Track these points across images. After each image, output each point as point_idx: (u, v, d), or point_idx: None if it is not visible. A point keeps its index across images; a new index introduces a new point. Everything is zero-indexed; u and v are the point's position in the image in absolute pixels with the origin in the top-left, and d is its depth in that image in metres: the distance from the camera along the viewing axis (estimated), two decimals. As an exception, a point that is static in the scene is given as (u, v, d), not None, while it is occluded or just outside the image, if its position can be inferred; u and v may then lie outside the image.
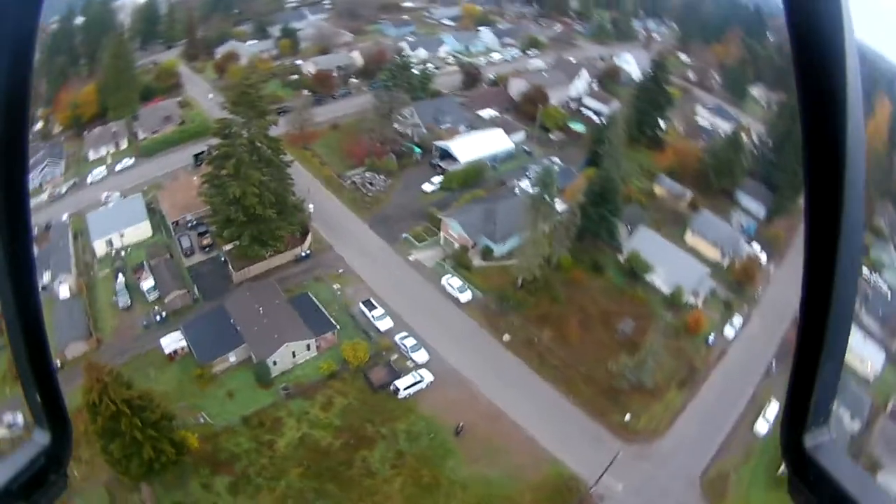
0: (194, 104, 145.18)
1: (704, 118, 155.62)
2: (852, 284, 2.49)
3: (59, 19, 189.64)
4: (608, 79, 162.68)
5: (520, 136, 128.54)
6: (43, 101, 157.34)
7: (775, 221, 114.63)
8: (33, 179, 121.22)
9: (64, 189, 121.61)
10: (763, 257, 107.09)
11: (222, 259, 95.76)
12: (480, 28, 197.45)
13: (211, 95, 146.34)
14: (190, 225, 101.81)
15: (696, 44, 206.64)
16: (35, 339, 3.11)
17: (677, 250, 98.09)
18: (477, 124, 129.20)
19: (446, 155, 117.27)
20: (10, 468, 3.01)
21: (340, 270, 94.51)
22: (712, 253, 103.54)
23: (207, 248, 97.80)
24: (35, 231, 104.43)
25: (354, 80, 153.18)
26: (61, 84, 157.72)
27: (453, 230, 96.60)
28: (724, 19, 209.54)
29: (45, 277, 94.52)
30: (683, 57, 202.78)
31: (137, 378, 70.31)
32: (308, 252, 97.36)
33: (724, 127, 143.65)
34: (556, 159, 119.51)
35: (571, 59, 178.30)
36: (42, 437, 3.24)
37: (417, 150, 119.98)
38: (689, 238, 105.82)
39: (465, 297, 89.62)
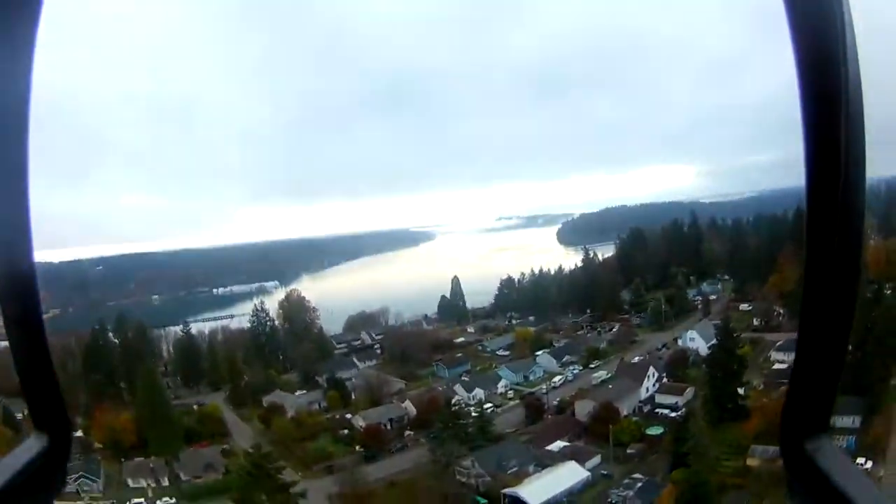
0: (240, 455, 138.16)
1: (780, 361, 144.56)
2: (852, 285, 2.47)
3: (93, 331, 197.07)
4: (676, 366, 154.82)
5: (596, 460, 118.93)
6: (82, 412, 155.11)
7: (873, 423, 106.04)
8: (70, 484, 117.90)
9: None
10: (868, 465, 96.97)
11: None
12: (538, 353, 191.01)
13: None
14: None
15: (752, 286, 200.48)
16: (35, 340, 3.09)
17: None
18: (546, 461, 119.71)
19: (516, 502, 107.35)
20: (8, 469, 2.98)
21: None
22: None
23: None
24: None
25: (409, 433, 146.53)
26: (99, 401, 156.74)
27: None
28: (770, 245, 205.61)
29: None
30: (744, 306, 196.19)
31: None
32: None
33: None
34: (638, 475, 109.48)
35: (636, 357, 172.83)
36: (41, 439, 3.19)
37: (483, 501, 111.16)
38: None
39: None
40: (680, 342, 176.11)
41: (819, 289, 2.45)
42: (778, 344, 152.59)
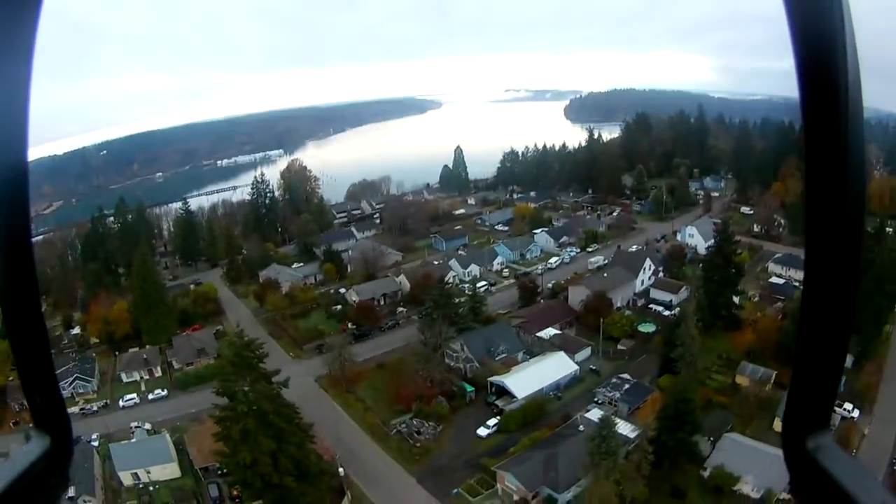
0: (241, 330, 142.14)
1: (777, 274, 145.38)
2: (853, 284, 2.47)
3: (92, 219, 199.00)
4: (673, 261, 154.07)
5: (585, 353, 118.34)
6: (79, 306, 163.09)
7: (864, 367, 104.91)
8: (65, 388, 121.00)
9: (95, 407, 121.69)
10: (855, 414, 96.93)
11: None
12: (536, 231, 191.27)
13: (253, 326, 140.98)
14: (220, 472, 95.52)
15: (755, 190, 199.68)
16: (36, 340, 3.07)
17: (766, 449, 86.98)
18: (536, 349, 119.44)
19: (503, 391, 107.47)
20: (10, 470, 2.97)
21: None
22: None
23: (238, 500, 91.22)
24: None
25: (402, 309, 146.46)
26: (96, 291, 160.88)
27: (510, 482, 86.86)
28: (776, 153, 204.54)
29: (71, 491, 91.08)
30: (745, 209, 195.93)
31: None
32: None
33: (799, 277, 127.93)
34: (626, 375, 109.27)
35: (634, 246, 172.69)
36: (43, 440, 3.18)
37: (470, 388, 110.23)
38: (779, 425, 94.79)
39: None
40: (679, 237, 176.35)
41: (819, 285, 2.46)
42: (776, 256, 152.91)
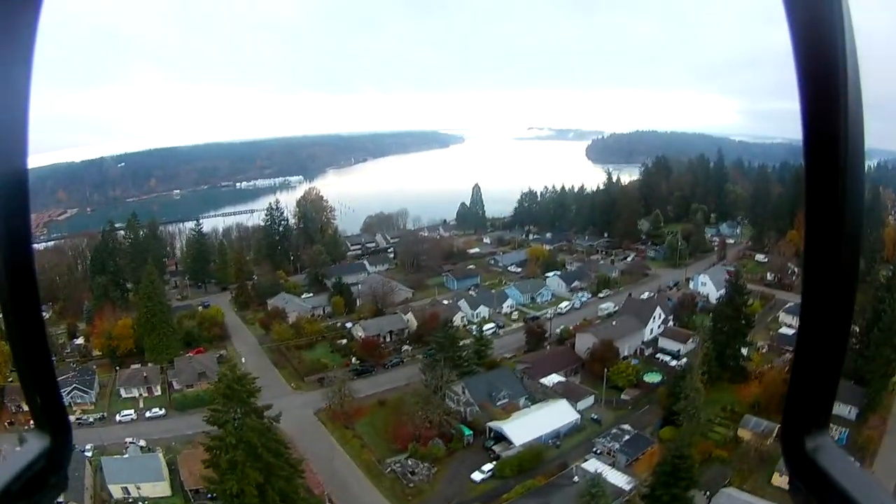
0: (236, 362, 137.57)
1: (788, 325, 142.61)
2: (852, 284, 2.47)
3: (103, 231, 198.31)
4: (684, 310, 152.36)
5: (588, 401, 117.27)
6: (84, 317, 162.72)
7: (868, 421, 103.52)
8: (64, 397, 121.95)
9: (92, 418, 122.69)
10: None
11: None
12: (548, 275, 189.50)
13: (257, 354, 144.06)
14: (209, 496, 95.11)
15: (770, 237, 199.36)
16: (35, 339, 3.06)
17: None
18: (539, 395, 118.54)
19: (502, 437, 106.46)
20: (9, 469, 2.96)
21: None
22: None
23: None
24: None
25: (407, 347, 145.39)
26: (102, 304, 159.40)
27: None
28: (792, 199, 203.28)
29: (60, 497, 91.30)
30: (760, 257, 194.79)
31: None
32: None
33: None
34: (627, 426, 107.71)
35: (646, 293, 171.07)
36: (42, 439, 3.17)
37: (468, 432, 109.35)
38: (778, 479, 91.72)
39: None
40: (691, 284, 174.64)
41: (819, 286, 2.45)
42: (787, 305, 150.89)
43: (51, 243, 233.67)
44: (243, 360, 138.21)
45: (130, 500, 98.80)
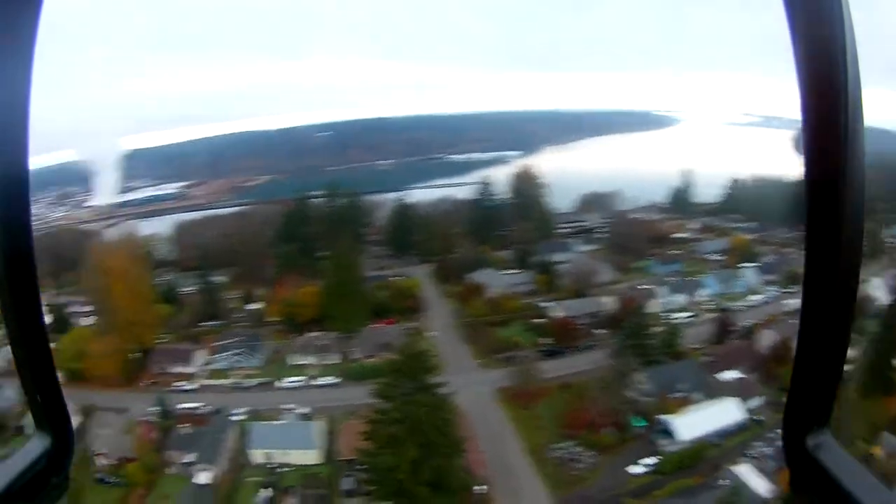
0: (423, 335, 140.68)
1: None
2: (853, 283, 2.62)
3: (298, 199, 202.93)
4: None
5: (758, 401, 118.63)
6: (264, 283, 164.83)
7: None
8: (225, 360, 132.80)
9: (252, 383, 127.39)
10: None
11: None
12: (745, 266, 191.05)
13: (449, 328, 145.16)
14: (359, 467, 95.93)
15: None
16: (36, 339, 3.26)
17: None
18: (715, 391, 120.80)
19: (668, 431, 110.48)
20: (11, 470, 3.15)
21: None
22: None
23: (370, 496, 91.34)
24: (199, 410, 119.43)
25: (601, 331, 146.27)
26: (286, 271, 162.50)
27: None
28: None
29: (189, 457, 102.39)
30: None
31: None
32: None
33: None
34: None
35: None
36: (44, 439, 3.37)
37: (641, 423, 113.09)
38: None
39: None
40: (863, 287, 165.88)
41: (819, 286, 2.55)
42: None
43: (237, 209, 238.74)
44: (434, 333, 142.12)
45: (271, 466, 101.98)
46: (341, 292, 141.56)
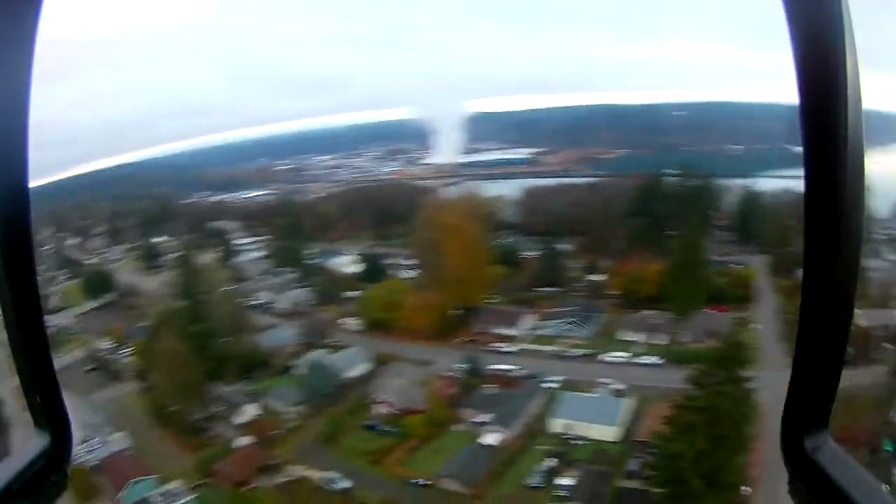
0: (749, 326, 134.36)
1: None
2: (851, 285, 2.59)
3: (652, 175, 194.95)
4: None
5: None
6: (613, 256, 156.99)
7: None
8: (553, 327, 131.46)
9: (576, 353, 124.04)
10: None
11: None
12: None
13: (769, 322, 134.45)
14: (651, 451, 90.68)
15: None
16: (35, 339, 3.28)
17: None
18: None
19: None
20: (10, 469, 3.16)
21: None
22: None
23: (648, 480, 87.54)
24: (512, 373, 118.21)
25: (890, 345, 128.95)
26: (635, 246, 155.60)
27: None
28: None
29: (483, 417, 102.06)
30: None
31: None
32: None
33: None
34: None
35: None
36: (43, 438, 3.37)
37: (891, 447, 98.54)
38: None
39: None
40: None
41: (818, 287, 2.56)
42: None
43: (589, 180, 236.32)
44: (758, 325, 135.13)
45: (566, 437, 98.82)
46: (683, 273, 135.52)
